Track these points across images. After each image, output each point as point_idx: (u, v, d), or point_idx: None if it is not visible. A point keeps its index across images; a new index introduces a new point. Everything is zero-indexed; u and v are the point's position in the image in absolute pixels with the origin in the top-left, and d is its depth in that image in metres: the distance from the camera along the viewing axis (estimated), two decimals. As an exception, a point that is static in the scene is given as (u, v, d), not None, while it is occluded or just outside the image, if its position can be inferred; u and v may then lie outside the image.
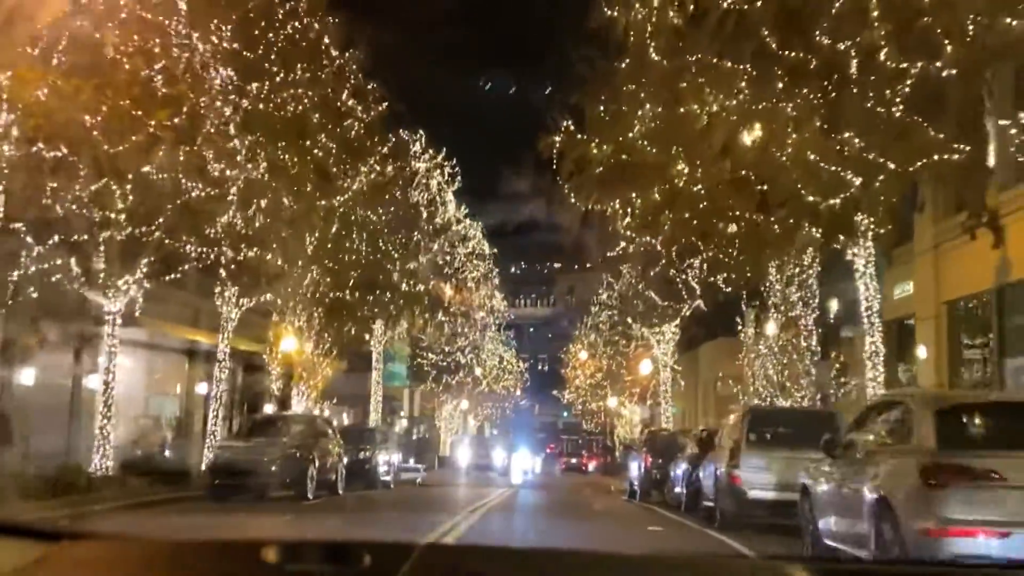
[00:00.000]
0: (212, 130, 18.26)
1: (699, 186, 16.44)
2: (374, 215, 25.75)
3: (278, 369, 31.70)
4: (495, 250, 44.70)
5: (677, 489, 21.51)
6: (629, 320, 36.01)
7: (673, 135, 16.30)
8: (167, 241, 19.07)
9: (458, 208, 41.34)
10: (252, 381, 33.73)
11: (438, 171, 38.95)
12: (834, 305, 27.32)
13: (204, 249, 19.55)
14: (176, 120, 17.87)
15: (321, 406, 36.73)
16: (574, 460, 66.33)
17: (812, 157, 15.95)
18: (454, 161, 39.81)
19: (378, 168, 24.05)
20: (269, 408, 31.84)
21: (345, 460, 25.16)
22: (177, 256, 19.80)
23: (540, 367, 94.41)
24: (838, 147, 16.04)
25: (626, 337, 45.82)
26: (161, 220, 18.71)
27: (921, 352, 24.38)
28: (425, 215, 34.04)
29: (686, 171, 16.33)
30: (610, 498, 29.88)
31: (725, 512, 15.14)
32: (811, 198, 16.05)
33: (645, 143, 16.43)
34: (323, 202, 21.30)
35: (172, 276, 20.04)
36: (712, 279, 33.35)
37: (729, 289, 33.52)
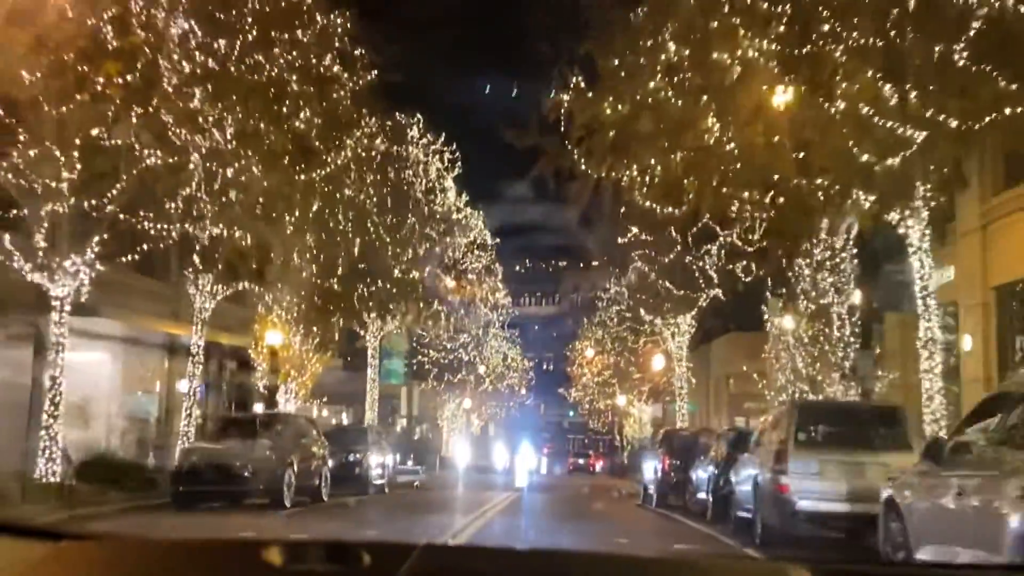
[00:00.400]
0: (171, 89, 15.96)
1: (732, 144, 14.11)
2: (363, 195, 23.31)
3: (264, 365, 29.54)
4: (497, 240, 42.38)
5: (701, 495, 19.17)
6: (641, 311, 33.55)
7: (702, 84, 13.98)
8: (122, 217, 16.76)
9: (458, 196, 38.99)
10: (241, 378, 31.57)
11: (437, 157, 36.67)
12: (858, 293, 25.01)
13: (165, 227, 17.22)
14: (129, 77, 15.61)
15: (311, 404, 34.58)
16: (581, 460, 64.04)
17: (865, 110, 13.65)
18: (454, 146, 37.61)
19: (366, 142, 21.63)
20: (259, 407, 29.66)
21: (331, 463, 22.96)
22: (135, 235, 17.50)
23: (545, 366, 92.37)
24: (895, 99, 13.74)
25: (634, 333, 43.65)
26: (114, 192, 16.42)
27: (966, 343, 22.07)
28: (423, 200, 31.58)
29: (717, 127, 14.00)
30: (622, 503, 27.51)
31: (768, 525, 12.77)
32: (864, 157, 13.72)
33: (669, 94, 14.09)
34: (302, 176, 18.95)
35: (129, 257, 17.72)
36: (731, 267, 31.14)
37: (749, 278, 31.32)
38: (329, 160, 19.56)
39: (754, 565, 3.64)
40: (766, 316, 25.60)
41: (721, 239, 30.61)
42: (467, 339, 50.13)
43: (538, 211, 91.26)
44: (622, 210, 29.75)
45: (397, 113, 33.23)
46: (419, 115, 35.57)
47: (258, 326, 29.09)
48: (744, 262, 30.98)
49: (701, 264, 30.52)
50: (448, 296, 34.36)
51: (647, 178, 16.33)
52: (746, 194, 15.24)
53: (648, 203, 16.30)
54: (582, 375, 62.98)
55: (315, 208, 19.63)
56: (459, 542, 13.25)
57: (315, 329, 29.56)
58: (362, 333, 35.71)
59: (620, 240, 30.33)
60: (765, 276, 28.69)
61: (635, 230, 29.65)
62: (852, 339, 23.77)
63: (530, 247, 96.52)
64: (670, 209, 16.34)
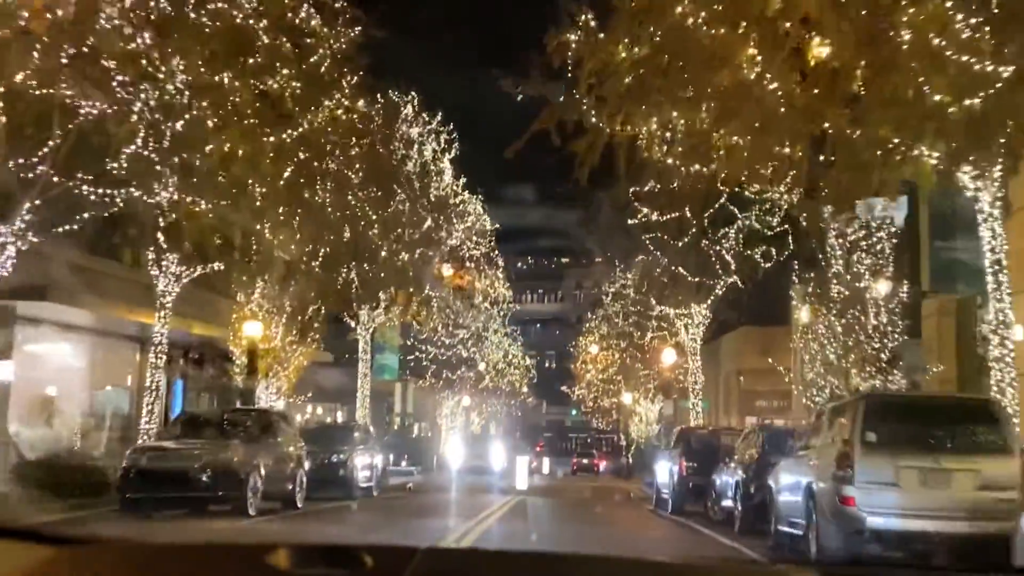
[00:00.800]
0: (109, 26, 13.56)
1: (774, 84, 11.70)
2: (346, 167, 20.76)
3: (243, 358, 27.21)
4: (497, 226, 39.85)
5: (726, 503, 16.75)
6: (652, 300, 31.07)
7: (740, 12, 11.58)
8: (56, 179, 14.34)
9: (456, 180, 36.59)
10: (222, 373, 29.26)
11: (432, 137, 34.32)
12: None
13: (108, 192, 14.79)
14: (60, 12, 13.25)
15: (295, 401, 32.28)
16: (585, 460, 61.64)
17: (937, 41, 11.25)
18: (451, 127, 35.27)
19: (347, 103, 19.12)
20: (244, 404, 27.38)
21: (311, 465, 20.64)
22: (77, 202, 15.08)
23: (547, 364, 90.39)
24: (968, 31, 11.36)
25: (640, 328, 41.34)
26: (46, 150, 14.03)
27: (1017, 333, 19.72)
28: (415, 178, 29.05)
29: (758, 60, 11.60)
30: (634, 509, 25.10)
31: (827, 547, 10.31)
32: (937, 98, 11.31)
33: (700, 20, 11.67)
34: (271, 138, 16.50)
35: (68, 228, 15.30)
36: (748, 252, 28.83)
37: (769, 264, 28.99)
38: (303, 122, 17.08)
39: (762, 570, 3.46)
40: (794, 301, 23.07)
41: (739, 222, 28.35)
42: (466, 334, 47.76)
43: (540, 210, 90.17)
44: (632, 189, 27.45)
45: (390, 91, 31.10)
46: (413, 93, 33.44)
47: (236, 316, 26.83)
48: (764, 247, 28.70)
49: (717, 249, 28.15)
50: (442, 282, 31.79)
51: (667, 133, 13.92)
52: (787, 149, 12.79)
53: (670, 161, 13.87)
54: (586, 372, 60.64)
55: (287, 175, 17.17)
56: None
57: (299, 319, 27.21)
58: (353, 325, 33.40)
59: (631, 221, 27.95)
60: (791, 259, 26.42)
61: (646, 211, 27.30)
62: (889, 327, 21.42)
63: (532, 245, 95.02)
64: (696, 167, 13.87)
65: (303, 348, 28.18)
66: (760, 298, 34.07)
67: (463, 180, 36.50)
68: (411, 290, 26.99)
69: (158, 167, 14.73)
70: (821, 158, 13.21)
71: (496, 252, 41.33)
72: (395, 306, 30.61)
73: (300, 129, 16.73)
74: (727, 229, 27.99)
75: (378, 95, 26.66)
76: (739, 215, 27.80)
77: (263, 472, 16.37)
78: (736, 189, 27.76)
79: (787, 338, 30.73)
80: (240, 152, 15.79)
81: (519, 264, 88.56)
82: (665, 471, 22.37)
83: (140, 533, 13.62)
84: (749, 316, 38.63)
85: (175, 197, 15.27)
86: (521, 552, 5.09)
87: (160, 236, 19.49)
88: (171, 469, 15.30)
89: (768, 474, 14.21)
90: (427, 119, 33.97)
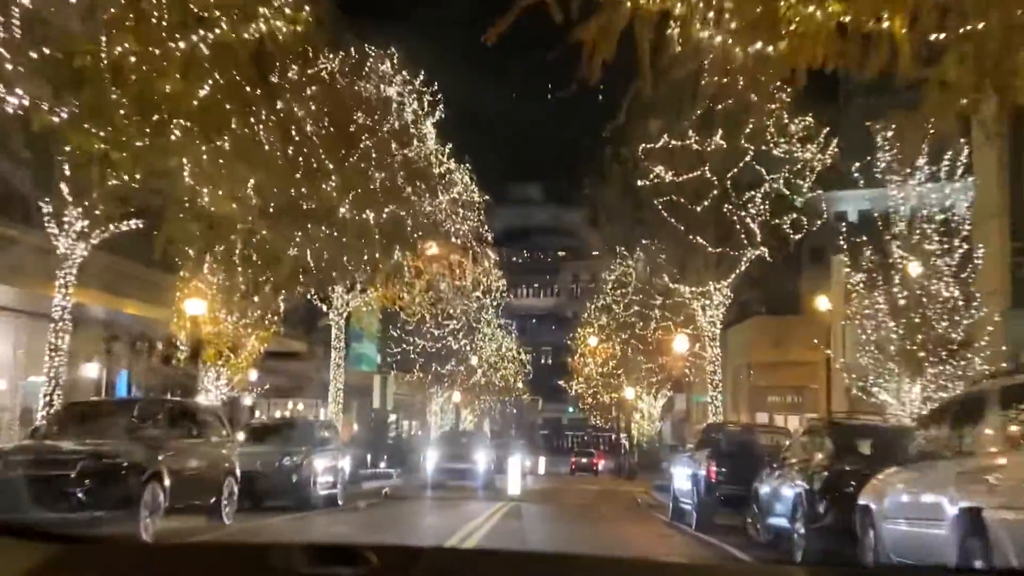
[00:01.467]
0: None
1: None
2: (290, 96, 16.72)
3: (186, 343, 23.34)
4: (487, 197, 35.82)
5: (777, 521, 12.77)
6: (665, 277, 27.08)
7: None
8: None
9: (441, 145, 32.73)
10: (169, 363, 25.44)
11: (414, 97, 30.50)
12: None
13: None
14: None
15: (253, 392, 28.48)
16: (584, 460, 58.25)
17: None
18: (436, 87, 31.48)
19: (288, 12, 14.97)
20: (201, 398, 23.59)
21: (239, 470, 16.54)
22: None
23: (543, 360, 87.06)
24: None
25: (643, 318, 37.80)
26: None
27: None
28: (386, 125, 24.99)
29: None
30: (647, 521, 21.04)
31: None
32: None
33: None
34: (180, 44, 12.44)
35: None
36: (776, 221, 24.96)
37: (797, 236, 25.15)
38: (224, 26, 13.02)
39: (764, 570, 3.65)
40: (847, 268, 18.92)
41: (767, 185, 24.44)
42: (456, 325, 43.91)
43: (538, 204, 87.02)
44: (642, 147, 23.56)
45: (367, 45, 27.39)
46: (393, 49, 29.67)
47: (179, 294, 22.94)
48: (793, 215, 24.85)
49: (741, 215, 24.17)
50: (420, 256, 27.79)
51: (710, 12, 9.89)
52: (886, 23, 8.78)
53: (720, 40, 9.95)
54: (584, 365, 57.01)
55: (204, 95, 13.13)
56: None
57: (253, 297, 23.23)
58: (324, 309, 29.53)
59: (640, 182, 23.99)
60: (821, 231, 22.61)
61: (659, 170, 23.38)
62: (961, 300, 17.50)
63: (528, 238, 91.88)
64: (759, 46, 9.90)
65: (260, 332, 24.25)
66: (773, 286, 30.60)
67: (448, 147, 32.63)
68: (376, 256, 22.93)
69: (9, 65, 10.73)
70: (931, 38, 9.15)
71: (486, 228, 37.33)
72: (370, 286, 26.69)
73: (217, 32, 12.69)
74: (753, 193, 24.05)
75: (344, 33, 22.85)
76: (767, 176, 23.89)
77: (168, 482, 12.36)
78: (763, 148, 23.95)
79: (803, 328, 27.11)
80: (132, 56, 11.74)
81: (514, 258, 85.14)
82: (685, 477, 18.38)
83: None
84: (763, 304, 35.21)
85: (25, 102, 11.22)
86: (526, 553, 5.09)
87: (64, 185, 15.63)
88: (37, 479, 11.30)
89: (846, 486, 10.34)
90: (407, 77, 30.21)
